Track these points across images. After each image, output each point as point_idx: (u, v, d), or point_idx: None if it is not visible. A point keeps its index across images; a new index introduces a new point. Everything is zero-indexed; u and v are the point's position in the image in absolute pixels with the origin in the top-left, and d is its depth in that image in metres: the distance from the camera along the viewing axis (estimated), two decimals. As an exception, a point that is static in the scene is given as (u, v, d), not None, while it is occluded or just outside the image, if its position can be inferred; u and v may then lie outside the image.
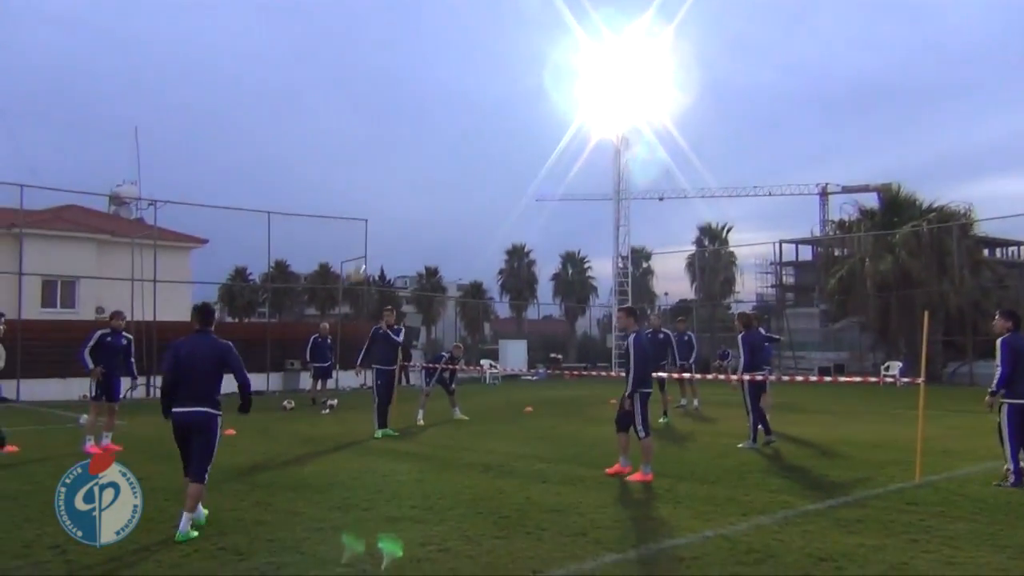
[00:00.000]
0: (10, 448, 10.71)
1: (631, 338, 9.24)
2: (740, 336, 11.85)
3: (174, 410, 6.63)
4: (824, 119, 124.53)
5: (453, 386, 16.00)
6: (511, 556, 5.73)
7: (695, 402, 17.29)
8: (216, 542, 6.11)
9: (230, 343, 6.95)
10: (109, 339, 11.32)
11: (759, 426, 11.41)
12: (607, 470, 9.24)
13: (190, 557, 5.72)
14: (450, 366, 15.94)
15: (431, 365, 16.14)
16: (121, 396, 11.58)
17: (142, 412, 17.18)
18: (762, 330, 13.94)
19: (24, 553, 5.73)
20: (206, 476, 6.53)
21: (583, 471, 9.45)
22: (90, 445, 10.98)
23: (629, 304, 31.29)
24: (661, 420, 14.70)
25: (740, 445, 11.35)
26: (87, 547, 5.97)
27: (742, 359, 11.64)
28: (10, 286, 23.81)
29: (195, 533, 6.26)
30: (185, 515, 6.27)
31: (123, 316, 11.83)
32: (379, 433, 12.74)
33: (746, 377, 11.55)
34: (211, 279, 48.94)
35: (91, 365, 11.14)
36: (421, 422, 14.50)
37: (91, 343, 11.18)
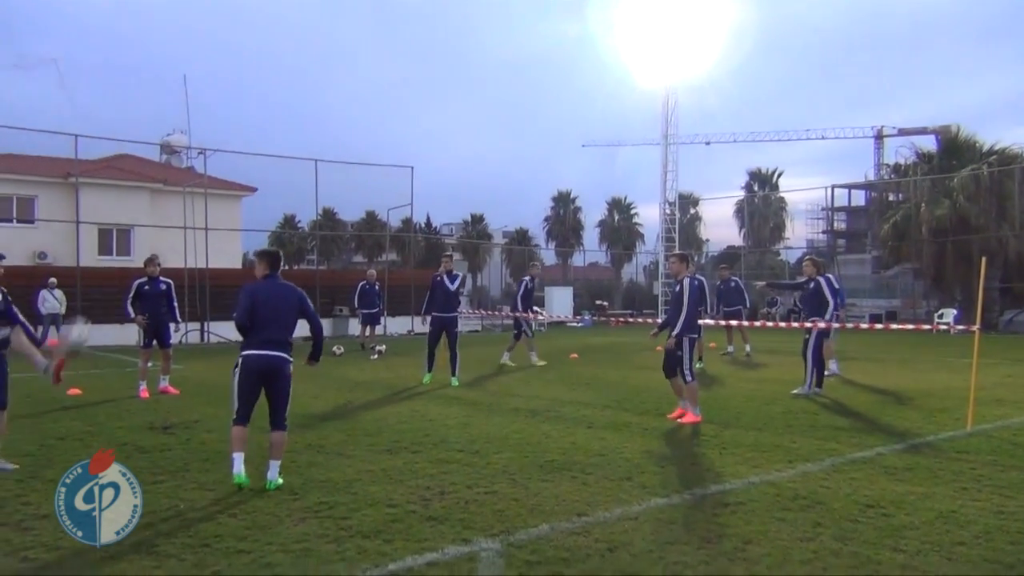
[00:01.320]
0: (74, 391, 11.12)
1: (686, 281, 9.28)
2: (822, 278, 11.48)
3: (250, 352, 6.46)
4: (880, 58, 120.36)
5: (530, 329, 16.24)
6: (557, 499, 5.82)
7: (746, 348, 17.06)
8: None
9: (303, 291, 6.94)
10: (147, 287, 11.40)
11: (815, 375, 11.29)
12: (669, 415, 9.30)
13: (247, 496, 5.92)
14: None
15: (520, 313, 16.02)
16: (171, 340, 11.76)
17: (197, 357, 17.67)
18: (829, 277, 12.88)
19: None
20: (286, 422, 6.47)
21: (628, 417, 9.51)
22: (143, 389, 11.29)
23: (678, 250, 30.93)
24: (698, 364, 14.70)
25: (794, 391, 11.25)
26: (149, 483, 6.21)
27: (831, 303, 11.30)
28: (69, 235, 24.47)
29: (280, 481, 6.24)
30: (273, 463, 6.26)
31: (157, 262, 11.64)
32: (426, 378, 12.89)
33: (836, 325, 11.31)
34: (261, 227, 49.67)
35: (132, 314, 11.36)
36: (509, 362, 15.37)
37: (131, 294, 11.36)
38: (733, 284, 17.46)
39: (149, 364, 11.55)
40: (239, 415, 6.40)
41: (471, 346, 17.16)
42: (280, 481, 6.25)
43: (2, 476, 6.51)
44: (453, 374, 12.68)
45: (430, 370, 12.97)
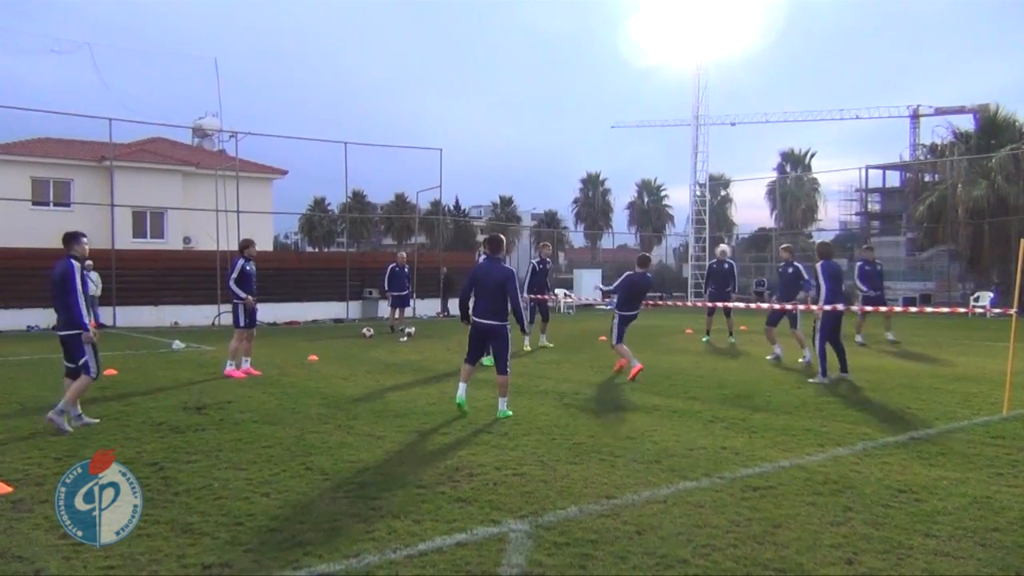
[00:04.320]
0: (109, 371, 11.32)
1: (819, 265, 11.22)
2: (819, 265, 11.44)
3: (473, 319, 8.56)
4: (917, 36, 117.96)
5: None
6: (585, 481, 5.83)
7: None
8: (303, 462, 6.40)
9: (512, 270, 8.59)
10: (248, 267, 11.50)
11: (840, 359, 11.16)
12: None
13: (279, 476, 6.00)
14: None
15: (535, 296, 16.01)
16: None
17: (230, 338, 17.88)
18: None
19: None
20: (508, 368, 8.50)
21: (657, 400, 9.48)
22: (230, 368, 11.49)
23: (708, 232, 30.79)
24: (704, 339, 16.64)
25: (811, 380, 11.08)
26: (183, 463, 6.34)
27: (823, 289, 11.26)
28: (103, 217, 24.83)
29: (510, 412, 8.33)
30: (501, 399, 8.44)
31: (254, 244, 12.07)
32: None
33: (827, 308, 11.24)
34: (292, 209, 50.07)
35: (243, 295, 11.41)
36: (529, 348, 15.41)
37: (235, 273, 11.43)
38: (879, 267, 16.69)
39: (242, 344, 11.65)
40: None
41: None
42: (509, 412, 8.36)
43: (42, 455, 6.66)
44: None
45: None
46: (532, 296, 15.84)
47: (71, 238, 8.21)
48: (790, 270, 13.68)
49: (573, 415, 8.49)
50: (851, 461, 6.44)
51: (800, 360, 13.08)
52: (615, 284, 12.14)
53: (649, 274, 12.06)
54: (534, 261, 16.58)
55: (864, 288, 16.34)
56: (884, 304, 15.10)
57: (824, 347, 11.06)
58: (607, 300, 17.48)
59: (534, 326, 15.85)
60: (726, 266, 17.08)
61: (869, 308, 14.17)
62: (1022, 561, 4.29)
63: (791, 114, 65.60)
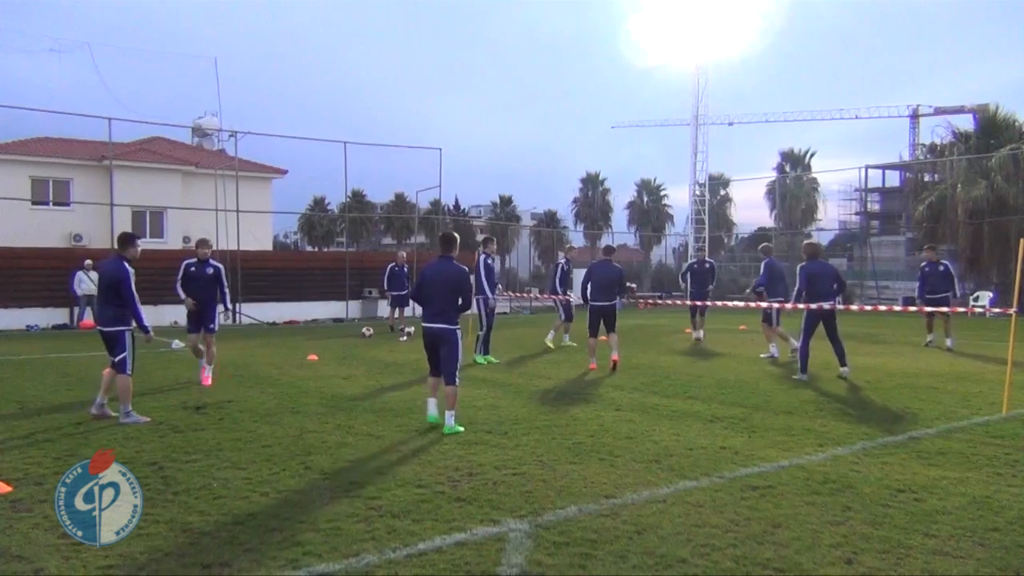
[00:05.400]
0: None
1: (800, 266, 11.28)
2: (800, 266, 11.50)
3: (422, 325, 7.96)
4: (917, 36, 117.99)
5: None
6: (585, 481, 5.83)
7: (948, 341, 15.10)
8: (302, 462, 6.40)
9: (466, 269, 8.11)
10: (193, 269, 11.05)
11: (838, 354, 11.20)
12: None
13: (279, 476, 6.00)
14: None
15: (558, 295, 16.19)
16: (215, 326, 11.28)
17: (229, 338, 17.87)
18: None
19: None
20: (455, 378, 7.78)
21: (656, 400, 9.48)
22: (207, 375, 10.94)
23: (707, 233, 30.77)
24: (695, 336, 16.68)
25: (795, 376, 11.11)
26: (183, 462, 6.34)
27: (796, 288, 11.43)
28: (103, 217, 24.83)
29: (460, 428, 7.56)
30: (448, 413, 7.59)
31: (208, 244, 11.34)
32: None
33: (800, 306, 11.29)
34: (292, 209, 50.05)
35: (183, 295, 11.00)
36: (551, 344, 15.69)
37: (180, 275, 11.09)
38: (943, 268, 15.40)
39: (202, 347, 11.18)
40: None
41: (499, 328, 17.15)
42: (459, 428, 7.57)
43: (41, 455, 6.66)
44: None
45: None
46: (552, 295, 16.29)
47: (127, 240, 8.49)
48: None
49: (572, 415, 8.48)
50: (850, 461, 6.44)
51: (762, 355, 13.64)
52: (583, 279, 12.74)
53: (616, 264, 12.46)
54: (560, 261, 16.78)
55: (922, 291, 15.36)
56: (947, 306, 13.89)
57: (807, 346, 11.12)
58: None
59: (559, 325, 16.24)
60: (707, 266, 17.29)
61: (929, 309, 13.84)
62: (1021, 560, 4.29)
63: (791, 114, 65.88)
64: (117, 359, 8.25)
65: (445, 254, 8.04)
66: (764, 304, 13.40)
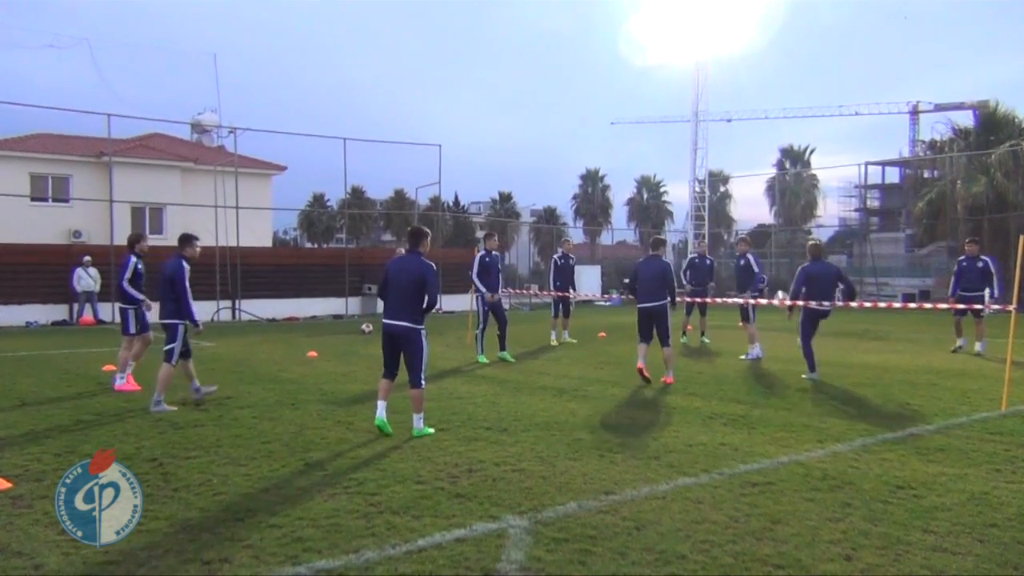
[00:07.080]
0: (108, 367, 11.32)
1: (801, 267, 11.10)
2: (800, 267, 11.34)
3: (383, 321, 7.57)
4: (917, 32, 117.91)
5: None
6: (584, 477, 5.83)
7: (977, 346, 14.13)
8: (302, 458, 6.40)
9: (432, 265, 7.48)
10: (140, 266, 10.11)
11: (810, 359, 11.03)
12: None
13: (278, 471, 6.01)
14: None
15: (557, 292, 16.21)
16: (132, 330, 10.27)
17: (229, 334, 17.88)
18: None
19: (125, 465, 6.10)
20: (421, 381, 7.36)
21: (656, 396, 9.49)
22: (121, 383, 10.02)
23: (706, 230, 30.81)
24: (682, 339, 15.66)
25: (803, 376, 11.01)
26: (183, 459, 6.34)
27: (792, 287, 11.30)
28: (102, 213, 24.81)
29: (430, 430, 7.33)
30: (415, 416, 7.31)
31: (145, 238, 10.41)
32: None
33: (800, 304, 11.09)
34: (291, 205, 50.01)
35: (140, 297, 10.13)
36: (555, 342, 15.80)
37: (128, 272, 10.05)
38: (981, 264, 14.21)
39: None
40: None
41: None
42: (428, 430, 7.32)
43: (41, 451, 6.67)
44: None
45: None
46: (551, 292, 16.27)
47: (186, 240, 8.95)
48: (742, 262, 14.05)
49: (572, 411, 8.49)
50: (850, 457, 6.45)
51: (743, 357, 13.21)
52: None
53: (664, 259, 11.06)
54: (556, 256, 16.72)
55: (956, 288, 14.42)
56: (982, 304, 12.86)
57: (809, 345, 11.05)
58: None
59: (557, 321, 16.29)
60: (708, 261, 16.56)
61: (962, 306, 13.24)
62: (1020, 557, 4.30)
63: (790, 110, 65.93)
64: (165, 348, 8.74)
65: (413, 249, 7.52)
66: (741, 301, 13.34)
